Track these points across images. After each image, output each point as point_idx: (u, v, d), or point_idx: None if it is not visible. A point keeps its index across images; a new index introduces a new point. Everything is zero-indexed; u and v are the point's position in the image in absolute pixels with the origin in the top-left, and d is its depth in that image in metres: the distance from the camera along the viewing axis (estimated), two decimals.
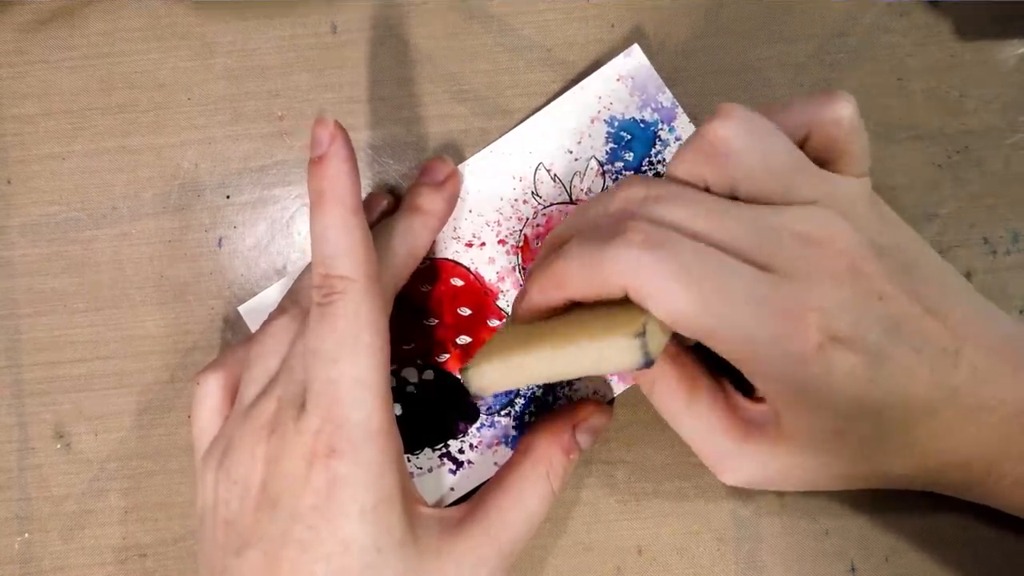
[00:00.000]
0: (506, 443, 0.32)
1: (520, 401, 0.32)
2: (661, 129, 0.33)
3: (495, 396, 0.32)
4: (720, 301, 0.23)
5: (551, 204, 0.33)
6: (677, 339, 0.29)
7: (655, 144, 0.33)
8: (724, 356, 0.25)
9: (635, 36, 0.33)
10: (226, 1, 0.34)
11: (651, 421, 0.32)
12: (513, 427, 0.32)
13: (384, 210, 0.32)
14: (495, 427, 0.32)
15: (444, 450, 0.32)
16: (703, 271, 0.24)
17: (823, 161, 0.26)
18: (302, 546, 0.25)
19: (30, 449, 0.33)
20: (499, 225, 0.33)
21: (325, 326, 0.26)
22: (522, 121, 0.33)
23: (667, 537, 0.32)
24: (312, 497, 0.25)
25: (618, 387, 0.32)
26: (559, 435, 0.29)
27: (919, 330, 0.25)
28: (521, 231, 0.33)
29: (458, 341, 0.32)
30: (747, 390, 0.28)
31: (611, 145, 0.33)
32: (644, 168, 0.33)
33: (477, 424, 0.32)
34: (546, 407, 0.32)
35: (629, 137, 0.33)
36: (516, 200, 0.33)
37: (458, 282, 0.33)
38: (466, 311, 0.32)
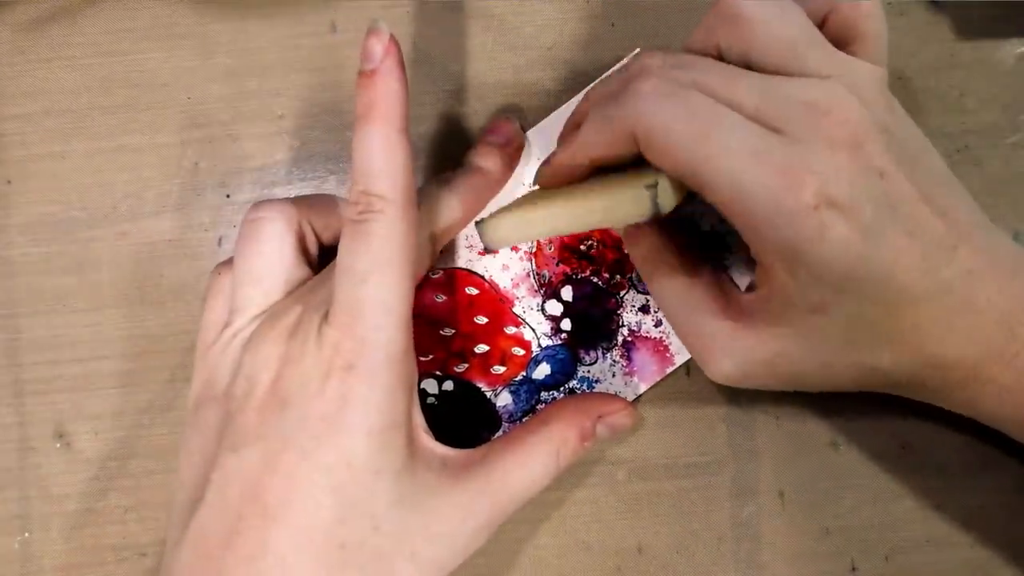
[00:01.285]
0: None
1: (541, 408, 0.32)
2: None
3: (517, 397, 0.32)
4: (722, 150, 0.24)
5: None
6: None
7: None
8: (721, 211, 0.25)
9: (635, 35, 0.33)
10: (226, 1, 0.34)
11: (651, 421, 0.32)
12: None
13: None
14: (535, 412, 0.32)
15: None
16: (708, 120, 0.24)
17: (840, 44, 0.26)
18: (303, 453, 0.25)
19: (30, 448, 0.33)
20: None
21: (359, 243, 0.25)
22: (529, 128, 0.33)
23: (667, 537, 0.32)
24: (323, 406, 0.25)
25: (639, 388, 0.32)
26: (581, 419, 0.29)
27: (916, 216, 0.25)
28: None
29: (476, 350, 0.32)
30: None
31: None
32: None
33: (499, 432, 0.32)
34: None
35: None
36: None
37: (473, 291, 0.32)
38: (482, 319, 0.32)
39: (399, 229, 0.26)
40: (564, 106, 0.33)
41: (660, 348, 0.32)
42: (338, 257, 0.26)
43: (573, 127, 0.29)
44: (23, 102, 0.33)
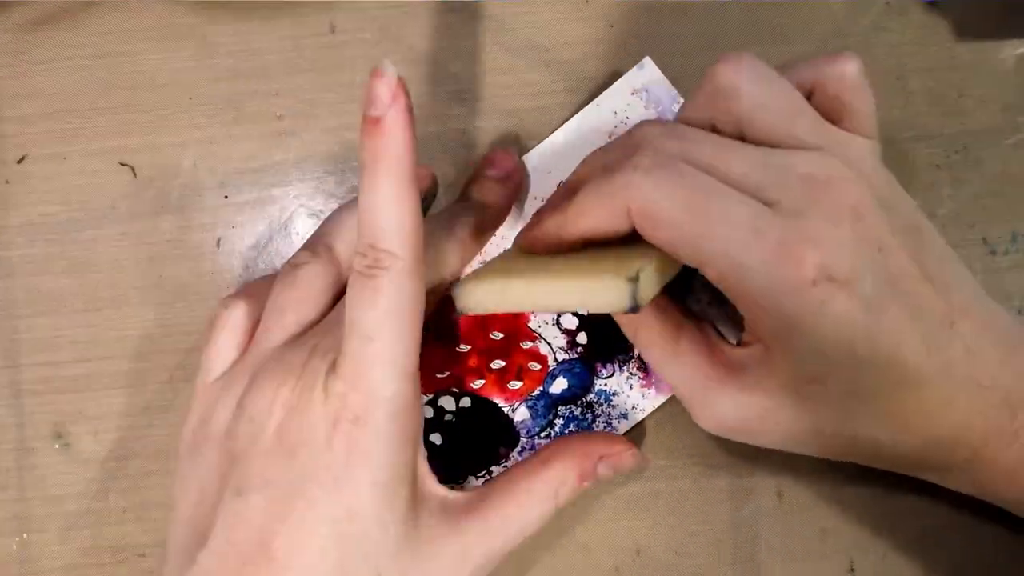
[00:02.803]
0: None
1: (559, 422, 0.32)
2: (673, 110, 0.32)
3: (533, 420, 0.32)
4: (719, 226, 0.24)
5: None
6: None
7: None
8: (716, 283, 0.25)
9: (633, 37, 0.33)
10: (226, 2, 0.34)
11: (650, 421, 0.32)
12: None
13: (426, 188, 0.31)
14: (536, 450, 0.32)
15: (487, 476, 0.32)
16: (704, 195, 0.24)
17: (830, 119, 0.26)
18: (310, 503, 0.25)
19: (29, 449, 0.33)
20: None
21: (366, 300, 0.25)
22: (538, 144, 0.33)
23: (666, 537, 0.32)
24: (330, 458, 0.25)
25: (656, 400, 0.32)
26: (582, 460, 0.29)
27: (915, 292, 0.25)
28: None
29: (492, 366, 0.32)
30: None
31: None
32: None
33: (518, 448, 0.32)
34: (585, 429, 0.32)
35: None
36: None
37: None
38: (498, 335, 0.32)
39: (407, 285, 0.25)
40: (558, 131, 0.32)
41: None
42: (346, 308, 0.25)
43: (565, 193, 0.28)
44: (22, 103, 0.33)
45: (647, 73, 0.32)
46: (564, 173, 0.32)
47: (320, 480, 0.25)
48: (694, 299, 0.32)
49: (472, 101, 0.33)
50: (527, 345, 0.32)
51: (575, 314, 0.32)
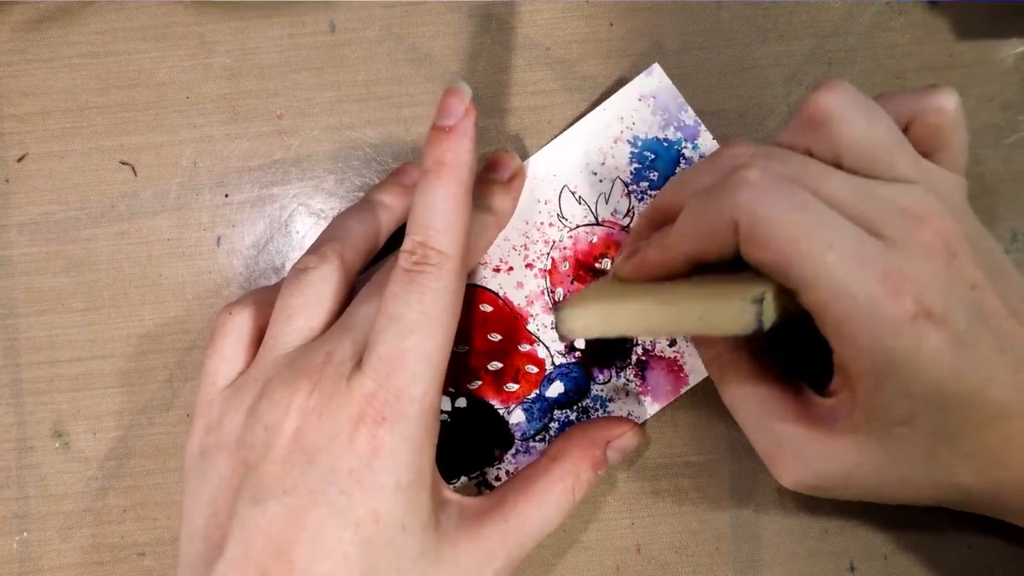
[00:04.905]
0: None
1: (554, 426, 0.32)
2: (685, 147, 0.32)
3: (533, 409, 0.32)
4: (827, 248, 0.23)
5: (577, 226, 0.32)
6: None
7: (679, 163, 0.32)
8: (815, 312, 0.24)
9: (633, 36, 0.33)
10: (224, 0, 0.34)
11: (650, 421, 0.32)
12: None
13: None
14: (530, 453, 0.32)
15: (481, 477, 0.32)
16: (814, 216, 0.24)
17: (924, 152, 0.26)
18: (332, 509, 0.25)
19: (29, 448, 0.33)
20: (526, 249, 0.32)
21: (413, 296, 0.25)
22: (545, 145, 0.33)
23: (666, 536, 0.32)
24: (352, 460, 0.25)
25: (652, 407, 0.32)
26: (591, 450, 0.29)
27: (1005, 330, 0.24)
28: (548, 254, 0.32)
29: (489, 367, 0.32)
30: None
31: (635, 165, 0.32)
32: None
33: (512, 450, 0.32)
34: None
35: (653, 156, 0.32)
36: (542, 223, 0.32)
37: (487, 308, 0.32)
38: (496, 336, 0.32)
39: (452, 285, 0.26)
40: (563, 134, 0.32)
41: (675, 368, 0.32)
42: (385, 303, 0.26)
43: (651, 219, 0.28)
44: (21, 102, 0.33)
45: (655, 80, 0.32)
46: (569, 177, 0.32)
47: (341, 484, 0.25)
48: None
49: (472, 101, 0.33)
50: (525, 348, 0.32)
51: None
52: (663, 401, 0.32)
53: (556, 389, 0.32)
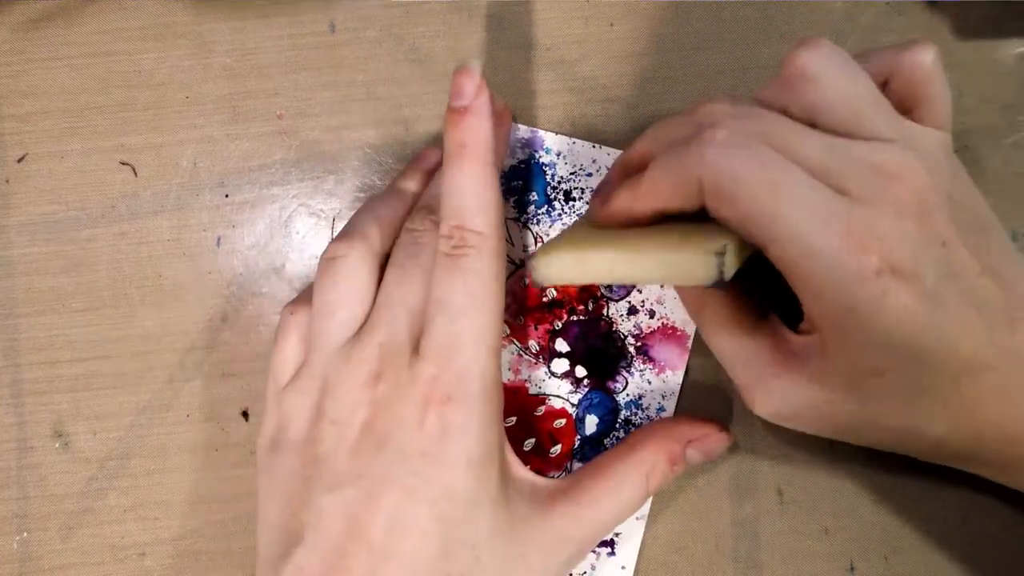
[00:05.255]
0: None
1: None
2: (539, 156, 0.33)
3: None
4: (791, 205, 0.23)
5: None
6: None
7: (544, 170, 0.33)
8: (781, 267, 0.24)
9: (633, 36, 0.33)
10: (224, 0, 0.34)
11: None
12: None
13: (507, 130, 0.33)
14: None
15: None
16: (779, 174, 0.24)
17: (903, 110, 0.26)
18: (406, 489, 0.25)
19: (29, 448, 0.33)
20: None
21: (457, 280, 0.26)
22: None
23: (667, 537, 0.32)
24: (423, 442, 0.25)
25: (676, 377, 0.32)
26: (671, 445, 0.29)
27: (977, 286, 0.24)
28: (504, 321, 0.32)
29: (525, 448, 0.32)
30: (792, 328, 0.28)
31: (513, 198, 0.33)
32: (550, 195, 0.33)
33: None
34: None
35: (520, 182, 0.33)
36: None
37: None
38: (511, 420, 0.32)
39: (494, 263, 0.26)
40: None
41: (668, 332, 0.32)
42: (432, 290, 0.26)
43: (625, 166, 0.28)
44: (21, 102, 0.33)
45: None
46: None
47: (414, 465, 0.25)
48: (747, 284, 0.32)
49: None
50: (540, 411, 0.32)
51: (575, 338, 0.32)
52: (681, 365, 0.32)
53: (592, 424, 0.32)
